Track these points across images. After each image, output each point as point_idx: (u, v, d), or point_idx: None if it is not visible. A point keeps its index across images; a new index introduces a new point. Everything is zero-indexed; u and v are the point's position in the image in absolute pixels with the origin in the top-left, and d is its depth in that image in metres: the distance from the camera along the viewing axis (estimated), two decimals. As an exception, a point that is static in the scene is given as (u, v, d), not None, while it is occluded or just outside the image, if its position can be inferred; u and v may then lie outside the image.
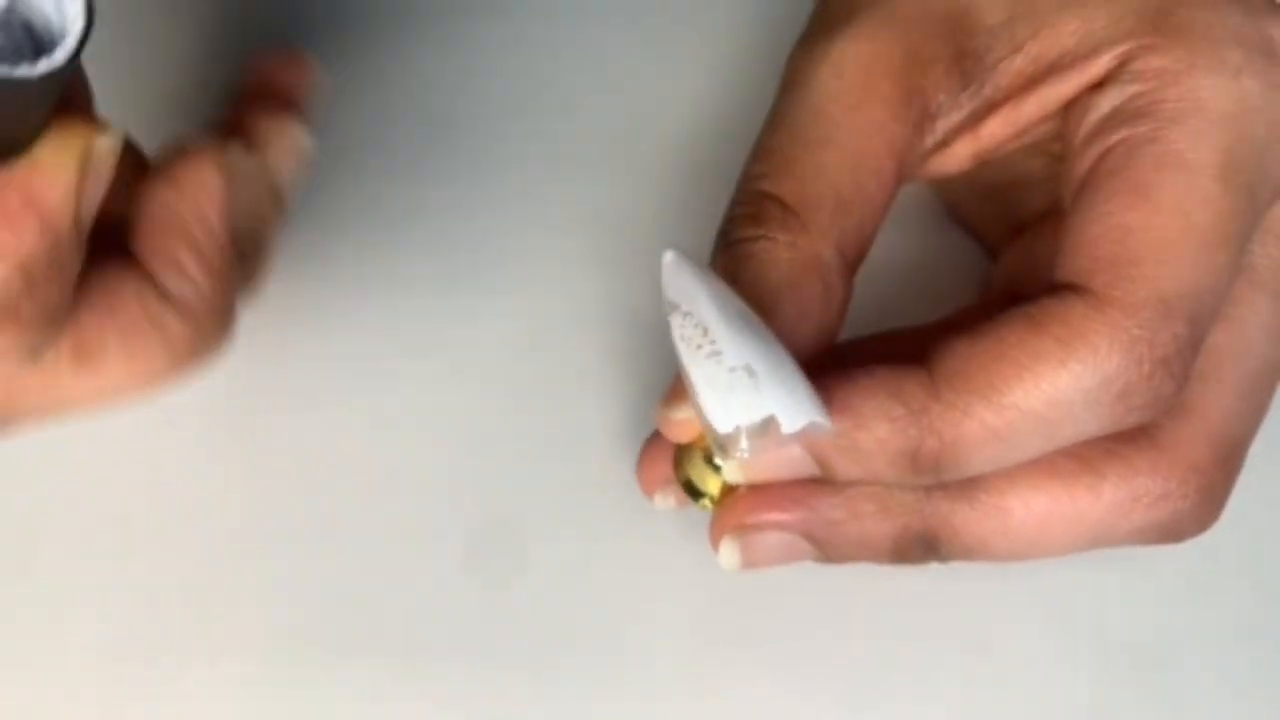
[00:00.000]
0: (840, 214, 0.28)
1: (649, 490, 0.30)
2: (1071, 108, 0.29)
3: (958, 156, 0.30)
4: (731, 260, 0.28)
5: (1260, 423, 0.29)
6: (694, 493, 0.29)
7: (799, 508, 0.28)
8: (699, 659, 0.31)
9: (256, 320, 0.33)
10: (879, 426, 0.26)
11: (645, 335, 0.30)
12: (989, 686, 0.31)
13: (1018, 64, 0.28)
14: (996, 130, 0.29)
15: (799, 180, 0.28)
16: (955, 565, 0.30)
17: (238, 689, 0.30)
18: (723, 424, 0.24)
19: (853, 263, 0.28)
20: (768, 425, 0.24)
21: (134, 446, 0.31)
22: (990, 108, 0.29)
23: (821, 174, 0.28)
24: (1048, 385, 0.26)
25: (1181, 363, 0.26)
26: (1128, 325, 0.26)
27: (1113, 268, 0.26)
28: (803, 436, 0.26)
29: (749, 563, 0.28)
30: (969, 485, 0.28)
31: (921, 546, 0.28)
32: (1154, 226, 0.26)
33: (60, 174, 0.24)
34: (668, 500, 0.30)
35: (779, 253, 0.28)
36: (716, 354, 0.24)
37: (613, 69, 0.36)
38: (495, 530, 0.31)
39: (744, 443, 0.25)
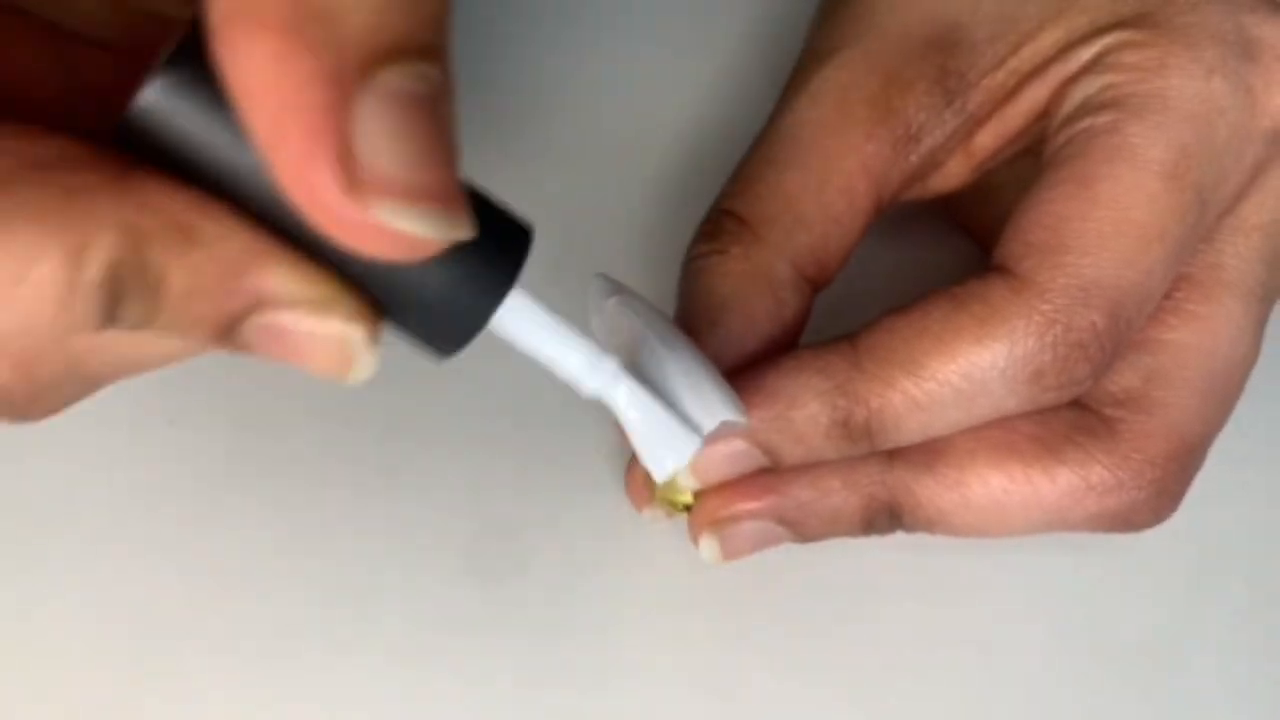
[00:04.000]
0: (798, 230, 0.29)
1: (638, 507, 0.31)
2: (1051, 102, 0.29)
3: (954, 173, 0.30)
4: (687, 276, 0.29)
5: (1224, 421, 0.30)
6: (673, 505, 0.29)
7: (768, 494, 0.29)
8: (698, 658, 0.31)
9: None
10: (808, 403, 0.27)
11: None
12: (989, 686, 0.31)
13: (1000, 78, 0.29)
14: (988, 142, 0.30)
15: (758, 197, 0.29)
16: (954, 564, 0.30)
17: (238, 688, 0.30)
18: (649, 457, 0.25)
19: (814, 278, 0.29)
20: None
21: (135, 445, 0.31)
22: (976, 122, 0.29)
23: (782, 191, 0.29)
24: (964, 360, 0.26)
25: (1100, 349, 0.26)
26: (1045, 309, 0.26)
27: (1040, 253, 0.27)
28: (741, 430, 0.27)
29: (729, 553, 0.29)
30: (930, 455, 0.28)
31: (887, 516, 0.29)
32: (1089, 217, 0.27)
33: None
34: (656, 514, 0.30)
35: (730, 265, 0.29)
36: (621, 376, 0.24)
37: (614, 71, 0.36)
38: (495, 531, 0.31)
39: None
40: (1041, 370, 0.26)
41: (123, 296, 0.19)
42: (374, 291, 0.20)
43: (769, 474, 0.29)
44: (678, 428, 0.24)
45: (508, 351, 0.32)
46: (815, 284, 0.29)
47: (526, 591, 0.31)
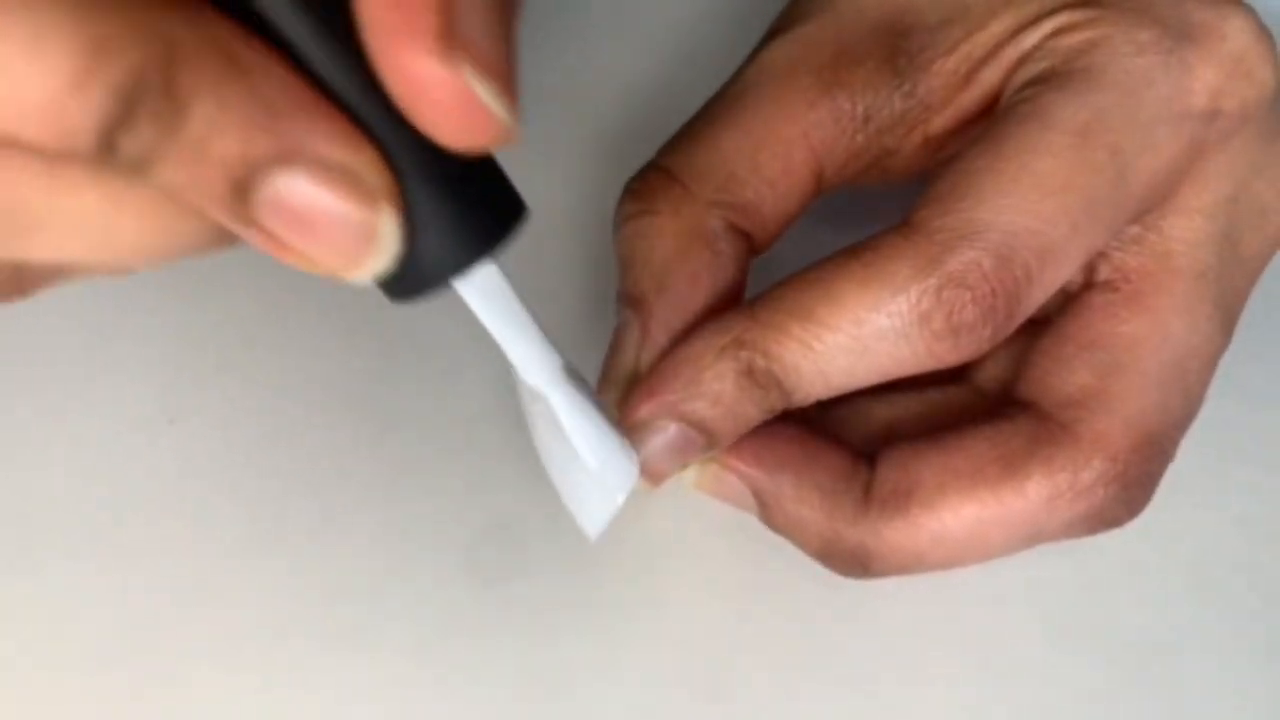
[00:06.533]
0: (730, 185, 0.29)
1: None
2: (1002, 86, 0.29)
3: (913, 159, 0.31)
4: (621, 240, 0.30)
5: (1191, 411, 0.29)
6: None
7: (759, 466, 0.29)
8: (699, 659, 0.31)
9: (256, 319, 0.33)
10: (712, 361, 0.27)
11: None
12: (987, 685, 0.31)
13: (951, 63, 0.29)
14: (945, 127, 0.30)
15: (690, 154, 0.29)
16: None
17: (237, 687, 0.30)
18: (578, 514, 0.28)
19: (751, 235, 0.29)
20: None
21: (135, 444, 0.31)
22: (930, 109, 0.30)
23: (716, 148, 0.29)
24: (851, 304, 0.26)
25: (990, 294, 0.26)
26: (926, 247, 0.26)
27: (936, 202, 0.27)
28: (666, 406, 0.28)
29: (700, 485, 0.30)
30: (901, 497, 0.28)
31: (848, 558, 0.29)
32: (990, 169, 0.27)
33: None
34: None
35: (662, 224, 0.29)
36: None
37: (609, 66, 0.36)
38: (495, 531, 0.31)
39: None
40: (927, 313, 0.26)
41: (134, 116, 0.17)
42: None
43: (769, 450, 0.29)
44: (606, 437, 0.26)
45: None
46: (750, 241, 0.29)
47: (526, 591, 0.31)
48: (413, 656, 0.30)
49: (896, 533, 0.28)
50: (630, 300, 0.29)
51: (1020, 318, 0.27)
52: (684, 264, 0.29)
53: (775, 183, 0.29)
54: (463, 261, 0.20)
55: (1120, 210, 0.28)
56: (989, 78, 0.29)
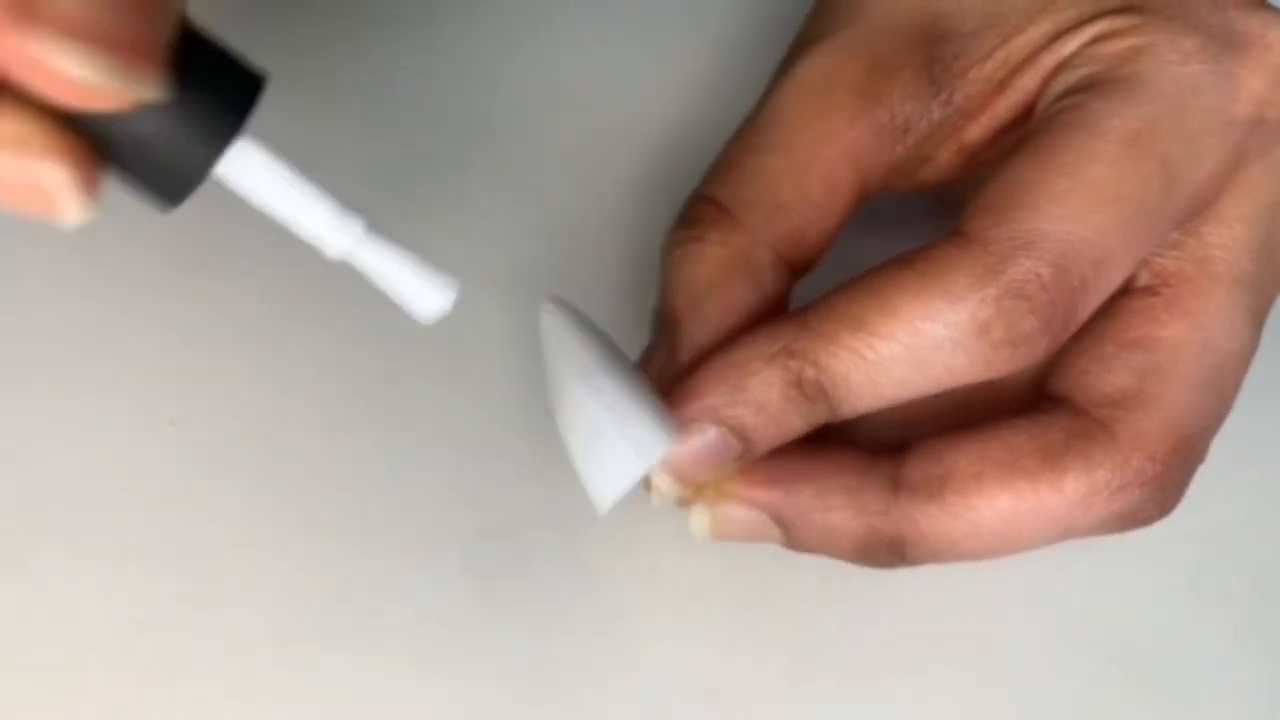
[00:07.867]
0: (777, 215, 0.29)
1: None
2: (1038, 92, 0.29)
3: (946, 165, 0.30)
4: (667, 264, 0.29)
5: (1223, 414, 0.29)
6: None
7: (773, 487, 0.29)
8: (698, 659, 0.31)
9: (256, 319, 0.33)
10: (760, 368, 0.27)
11: (647, 333, 0.30)
12: (988, 685, 0.31)
13: (987, 70, 0.29)
14: (980, 134, 0.30)
15: (736, 183, 0.29)
16: (954, 563, 0.30)
17: (237, 687, 0.30)
18: (588, 478, 0.26)
19: (794, 264, 0.29)
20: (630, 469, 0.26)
21: (135, 445, 0.31)
22: (966, 116, 0.29)
23: (761, 176, 0.29)
24: (906, 314, 0.26)
25: (1048, 303, 0.26)
26: (986, 260, 0.26)
27: (989, 211, 0.27)
28: (706, 411, 0.27)
29: (717, 533, 0.29)
30: (935, 484, 0.28)
31: (887, 550, 0.29)
32: (1042, 179, 0.27)
33: None
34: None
35: (709, 251, 0.29)
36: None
37: (605, 67, 0.36)
38: (495, 530, 0.31)
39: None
40: (986, 323, 0.26)
41: None
42: (91, 132, 0.19)
43: (778, 468, 0.29)
44: (431, 283, 0.24)
45: (508, 353, 0.33)
46: (795, 268, 0.29)
47: (525, 591, 0.31)
48: (413, 656, 0.30)
49: (931, 519, 0.28)
50: (664, 323, 0.29)
51: (1075, 327, 0.27)
52: (725, 294, 0.28)
53: (820, 204, 0.29)
54: (203, 159, 0.20)
55: (1168, 219, 0.28)
56: (1025, 84, 0.29)
